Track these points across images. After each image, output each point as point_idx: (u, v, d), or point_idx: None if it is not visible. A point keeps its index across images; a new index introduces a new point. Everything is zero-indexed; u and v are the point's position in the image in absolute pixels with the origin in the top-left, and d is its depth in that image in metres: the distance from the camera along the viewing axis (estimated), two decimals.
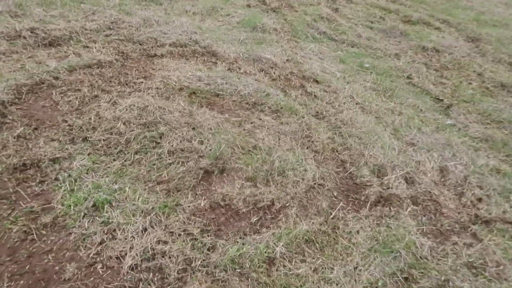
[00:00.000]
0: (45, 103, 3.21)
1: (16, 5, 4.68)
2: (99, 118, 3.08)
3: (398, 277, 2.40)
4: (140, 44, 4.56)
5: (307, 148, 3.37)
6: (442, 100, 4.71)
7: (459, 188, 3.28)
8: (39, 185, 2.50)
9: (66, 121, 3.03)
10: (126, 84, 3.67)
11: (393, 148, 3.53)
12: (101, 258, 2.17)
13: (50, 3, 5.02)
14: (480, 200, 3.20)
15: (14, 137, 2.79)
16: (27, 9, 4.69)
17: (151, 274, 2.16)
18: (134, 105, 3.21)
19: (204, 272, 2.20)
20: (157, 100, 3.44)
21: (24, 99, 3.17)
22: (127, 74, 3.88)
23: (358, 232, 2.68)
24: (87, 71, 3.76)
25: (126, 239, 2.27)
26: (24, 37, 4.03)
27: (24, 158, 2.61)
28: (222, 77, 4.09)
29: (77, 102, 3.26)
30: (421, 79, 5.15)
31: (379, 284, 2.34)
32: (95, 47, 4.22)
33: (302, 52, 5.32)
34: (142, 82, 3.75)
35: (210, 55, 4.69)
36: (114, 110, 3.15)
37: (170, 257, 2.24)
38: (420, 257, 2.58)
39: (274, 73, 4.55)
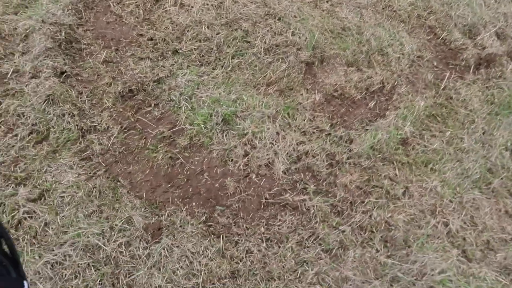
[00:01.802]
0: (107, 18, 2.88)
1: None
2: (177, 25, 2.80)
3: None
4: None
5: (393, 19, 3.15)
6: None
7: None
8: (155, 109, 2.41)
9: (142, 35, 2.77)
10: None
11: (479, 4, 3.30)
12: (252, 169, 2.22)
13: None
14: None
15: (102, 63, 2.59)
16: None
17: (303, 174, 2.24)
18: (208, 3, 2.89)
19: (351, 164, 2.29)
20: None
21: (85, 18, 2.84)
22: None
23: (471, 98, 2.69)
24: None
25: (265, 146, 2.29)
26: None
27: (128, 83, 2.46)
28: None
29: (140, 11, 2.92)
30: None
31: (508, 144, 2.45)
32: None
33: None
34: None
35: None
36: (189, 13, 2.84)
37: (314, 156, 2.30)
38: None
39: None
